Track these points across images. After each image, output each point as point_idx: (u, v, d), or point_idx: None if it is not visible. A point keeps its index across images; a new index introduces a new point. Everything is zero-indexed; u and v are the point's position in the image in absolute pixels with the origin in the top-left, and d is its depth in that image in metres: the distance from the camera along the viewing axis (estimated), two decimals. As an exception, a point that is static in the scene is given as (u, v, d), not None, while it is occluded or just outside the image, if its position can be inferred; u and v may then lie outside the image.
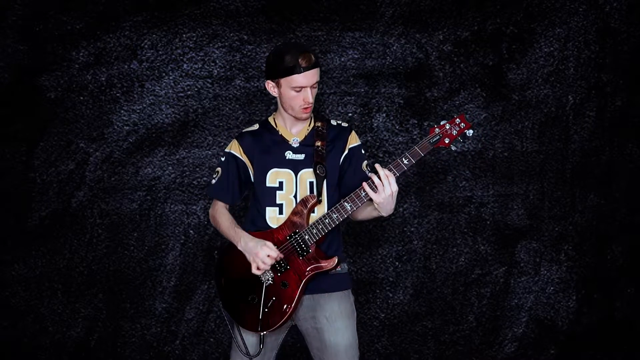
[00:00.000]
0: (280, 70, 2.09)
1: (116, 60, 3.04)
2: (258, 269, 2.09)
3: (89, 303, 3.15)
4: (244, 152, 2.21)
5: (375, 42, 3.07)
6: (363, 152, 2.30)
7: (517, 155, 3.15)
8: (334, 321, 2.15)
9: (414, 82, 3.11)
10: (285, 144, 2.20)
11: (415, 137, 3.13)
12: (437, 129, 2.11)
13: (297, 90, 2.09)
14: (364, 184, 2.06)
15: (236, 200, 2.28)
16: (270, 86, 2.17)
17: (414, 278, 3.21)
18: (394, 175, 2.06)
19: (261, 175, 2.18)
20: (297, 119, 2.18)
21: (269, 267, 2.09)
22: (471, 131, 2.13)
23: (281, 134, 2.21)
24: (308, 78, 2.08)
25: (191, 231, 3.15)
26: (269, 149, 2.20)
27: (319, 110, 2.27)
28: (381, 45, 3.08)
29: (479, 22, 3.08)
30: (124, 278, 3.15)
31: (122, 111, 3.07)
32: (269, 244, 2.09)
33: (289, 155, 2.18)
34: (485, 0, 3.07)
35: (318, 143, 2.19)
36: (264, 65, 2.24)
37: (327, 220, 2.08)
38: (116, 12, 3.01)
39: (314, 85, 2.12)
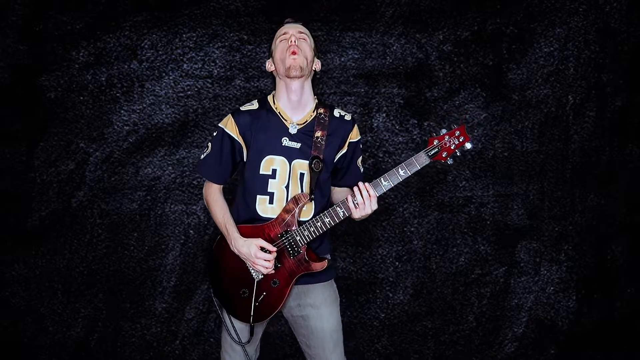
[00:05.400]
0: (273, 38, 2.22)
1: (116, 60, 3.04)
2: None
3: (89, 303, 3.15)
4: (240, 133, 2.17)
5: (375, 42, 3.07)
6: (361, 146, 2.29)
7: (517, 155, 3.15)
8: (318, 308, 2.21)
9: (414, 82, 3.11)
10: (283, 129, 2.16)
11: (415, 137, 3.13)
12: (435, 140, 2.09)
13: (284, 40, 2.16)
14: (349, 199, 2.07)
15: (226, 179, 2.25)
16: (269, 65, 2.23)
17: (414, 278, 3.21)
18: (388, 186, 2.07)
19: (255, 160, 2.16)
20: (289, 75, 2.12)
21: (272, 270, 2.11)
22: (469, 145, 2.09)
23: (281, 117, 2.17)
24: (291, 27, 2.19)
25: (191, 231, 3.15)
26: (266, 132, 2.16)
27: (322, 100, 2.24)
28: (381, 45, 3.08)
29: (479, 22, 3.08)
30: (124, 278, 3.15)
31: (122, 111, 3.07)
32: (262, 243, 2.10)
33: (285, 142, 2.15)
34: (485, 0, 3.07)
35: (318, 133, 2.16)
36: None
37: (318, 224, 2.10)
38: (116, 12, 3.01)
39: (301, 37, 2.17)
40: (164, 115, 3.08)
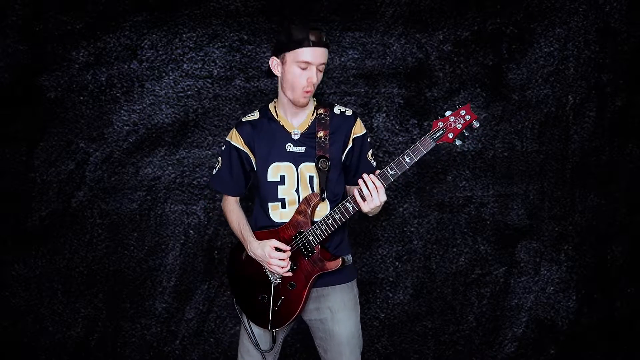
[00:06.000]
0: (287, 42, 1.99)
1: (116, 60, 3.04)
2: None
3: (89, 303, 3.15)
4: (245, 143, 2.18)
5: (375, 42, 3.07)
6: (369, 140, 2.24)
7: (517, 155, 3.15)
8: (337, 312, 2.18)
9: (414, 82, 3.10)
10: (285, 136, 2.15)
11: (415, 137, 3.13)
12: (440, 123, 1.99)
13: (302, 68, 2.00)
14: (356, 192, 2.00)
15: (241, 191, 2.26)
16: (274, 64, 2.09)
17: (414, 278, 3.21)
18: (395, 175, 2.00)
19: (262, 169, 2.16)
20: (295, 104, 2.09)
21: (288, 269, 2.10)
22: (477, 123, 1.99)
23: (282, 125, 2.17)
24: (315, 55, 1.99)
25: (191, 231, 3.15)
26: (269, 140, 2.16)
27: (322, 100, 2.25)
28: (381, 45, 3.07)
29: (479, 22, 3.08)
30: (124, 278, 3.15)
31: (122, 111, 3.07)
32: (275, 243, 2.09)
33: (290, 147, 2.15)
34: (485, 0, 3.07)
35: (320, 133, 2.13)
36: (273, 42, 2.17)
37: (329, 221, 2.07)
38: (116, 12, 3.01)
39: (320, 68, 2.03)
40: (164, 115, 3.08)
